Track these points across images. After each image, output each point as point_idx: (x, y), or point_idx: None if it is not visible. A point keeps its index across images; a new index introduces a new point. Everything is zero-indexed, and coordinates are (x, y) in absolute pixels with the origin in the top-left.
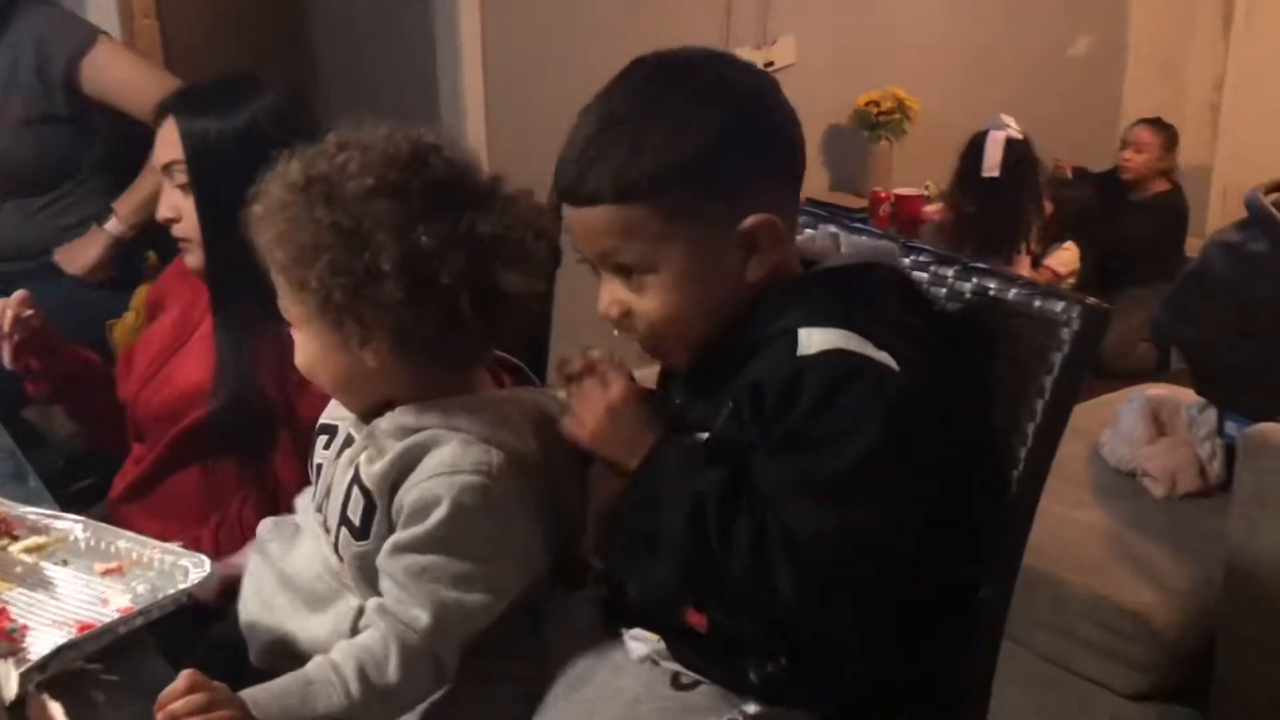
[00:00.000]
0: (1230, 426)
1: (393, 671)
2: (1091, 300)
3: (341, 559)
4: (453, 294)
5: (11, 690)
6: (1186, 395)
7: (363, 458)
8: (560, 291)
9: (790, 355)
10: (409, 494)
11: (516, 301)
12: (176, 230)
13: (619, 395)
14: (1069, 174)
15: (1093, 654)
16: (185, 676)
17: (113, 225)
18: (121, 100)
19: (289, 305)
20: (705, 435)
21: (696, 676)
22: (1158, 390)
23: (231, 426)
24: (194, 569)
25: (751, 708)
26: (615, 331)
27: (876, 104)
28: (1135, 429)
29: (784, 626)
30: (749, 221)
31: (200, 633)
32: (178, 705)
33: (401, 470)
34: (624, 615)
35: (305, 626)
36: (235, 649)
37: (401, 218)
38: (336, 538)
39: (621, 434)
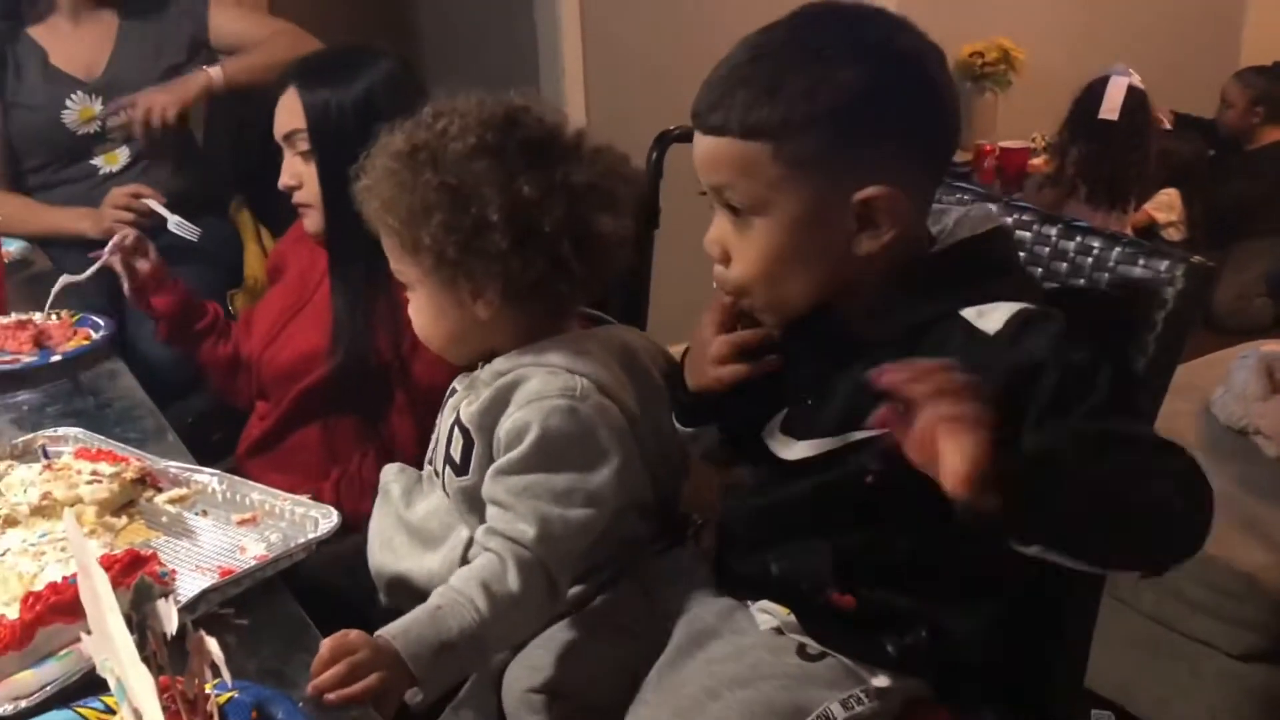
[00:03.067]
0: None
1: (512, 581)
2: (1196, 258)
3: (449, 496)
4: (555, 240)
5: (173, 627)
6: None
7: (463, 403)
8: (659, 251)
9: (972, 340)
10: (503, 426)
11: (611, 244)
12: (298, 196)
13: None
14: (1167, 124)
15: (1201, 614)
16: (328, 645)
17: (216, 72)
18: (247, 51)
19: (404, 269)
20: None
21: (824, 649)
22: (1272, 346)
23: (349, 385)
24: (323, 520)
25: (882, 680)
26: (714, 285)
27: (981, 54)
28: (1248, 385)
29: (939, 598)
30: (868, 191)
31: (327, 576)
32: (325, 679)
33: (495, 407)
34: (748, 585)
35: (422, 564)
36: (361, 582)
37: (502, 173)
38: (443, 478)
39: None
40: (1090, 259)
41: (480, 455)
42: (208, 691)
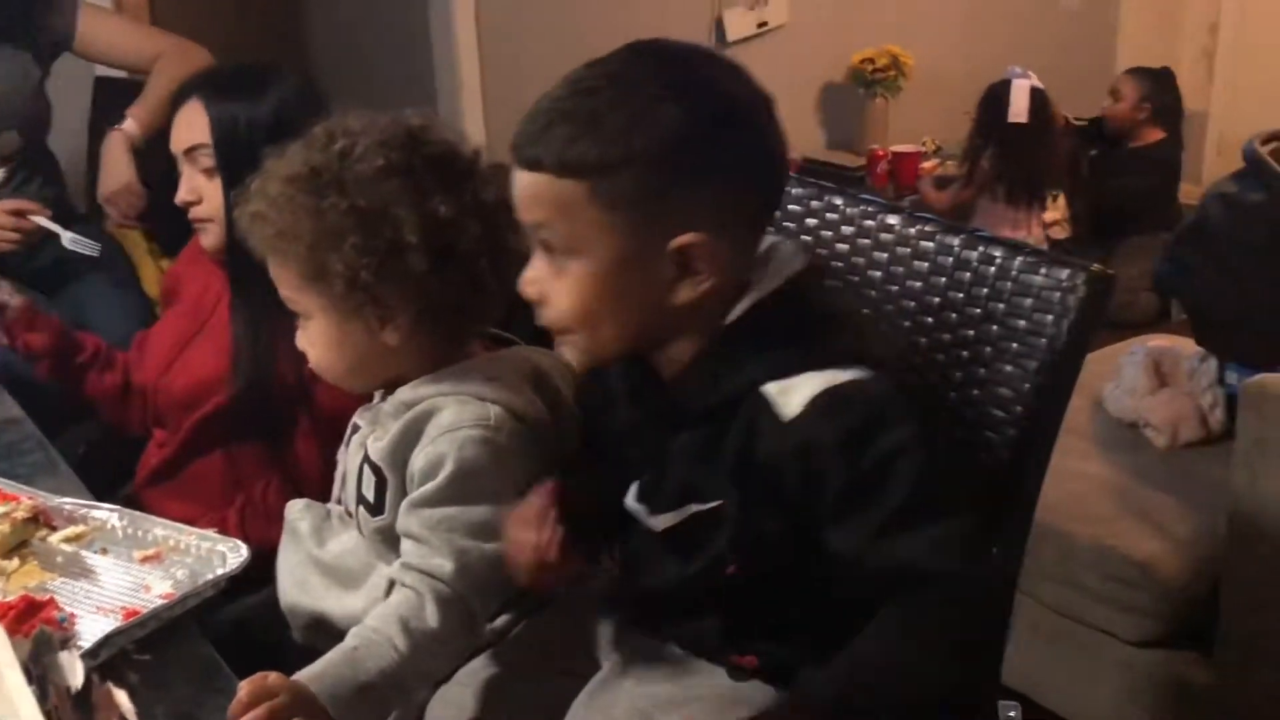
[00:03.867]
0: (1231, 376)
1: (431, 617)
2: (1096, 267)
3: (364, 536)
4: (473, 259)
5: (78, 680)
6: (1188, 346)
7: (370, 439)
8: None
9: (774, 425)
10: (417, 460)
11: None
12: (196, 212)
13: None
14: (1068, 119)
15: (1099, 603)
16: (246, 689)
17: (129, 126)
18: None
19: (300, 298)
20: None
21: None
22: (1159, 341)
23: (251, 412)
24: (231, 554)
25: None
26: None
27: (872, 61)
28: (1137, 380)
29: (840, 643)
30: (686, 237)
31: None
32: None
33: (407, 440)
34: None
35: (341, 604)
36: (272, 619)
37: (414, 192)
38: (357, 518)
39: None
40: (993, 268)
41: (395, 492)
42: None
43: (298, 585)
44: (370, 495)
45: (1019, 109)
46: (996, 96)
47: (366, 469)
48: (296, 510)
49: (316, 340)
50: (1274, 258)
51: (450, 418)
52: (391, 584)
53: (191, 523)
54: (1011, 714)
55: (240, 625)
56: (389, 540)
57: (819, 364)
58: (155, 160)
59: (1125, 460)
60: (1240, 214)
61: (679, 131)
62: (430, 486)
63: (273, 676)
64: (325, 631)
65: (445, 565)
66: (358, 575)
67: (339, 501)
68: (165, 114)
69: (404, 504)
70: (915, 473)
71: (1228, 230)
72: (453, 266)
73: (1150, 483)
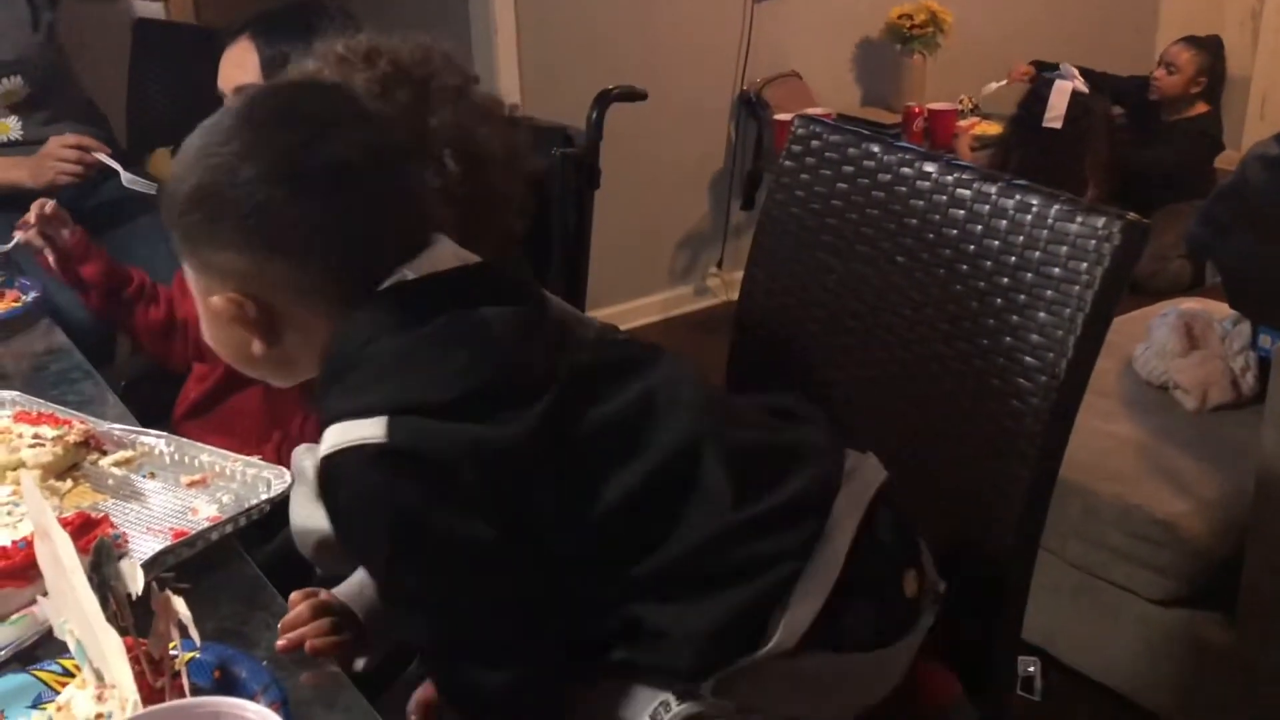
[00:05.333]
0: (1264, 340)
1: None
2: (1132, 215)
3: None
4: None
5: (138, 587)
6: (1220, 309)
7: None
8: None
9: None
10: None
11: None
12: None
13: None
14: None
15: (1122, 561)
16: (307, 604)
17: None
18: None
19: None
20: None
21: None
22: (1191, 304)
23: None
24: (275, 480)
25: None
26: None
27: (910, 17)
28: (1168, 342)
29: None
30: (214, 299)
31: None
32: (307, 629)
33: None
34: None
35: None
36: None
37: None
38: None
39: None
40: (1030, 216)
41: None
42: (171, 652)
43: (308, 517)
44: None
45: (1055, 114)
46: (1038, 96)
47: None
48: (301, 451)
49: None
50: None
51: None
52: None
53: None
54: (1030, 669)
55: (279, 559)
56: None
57: (354, 411)
58: (199, 99)
59: (1153, 421)
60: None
61: (199, 182)
62: None
63: (324, 592)
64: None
65: None
66: None
67: None
68: None
69: None
70: (387, 568)
71: (1267, 191)
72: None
73: (1178, 444)
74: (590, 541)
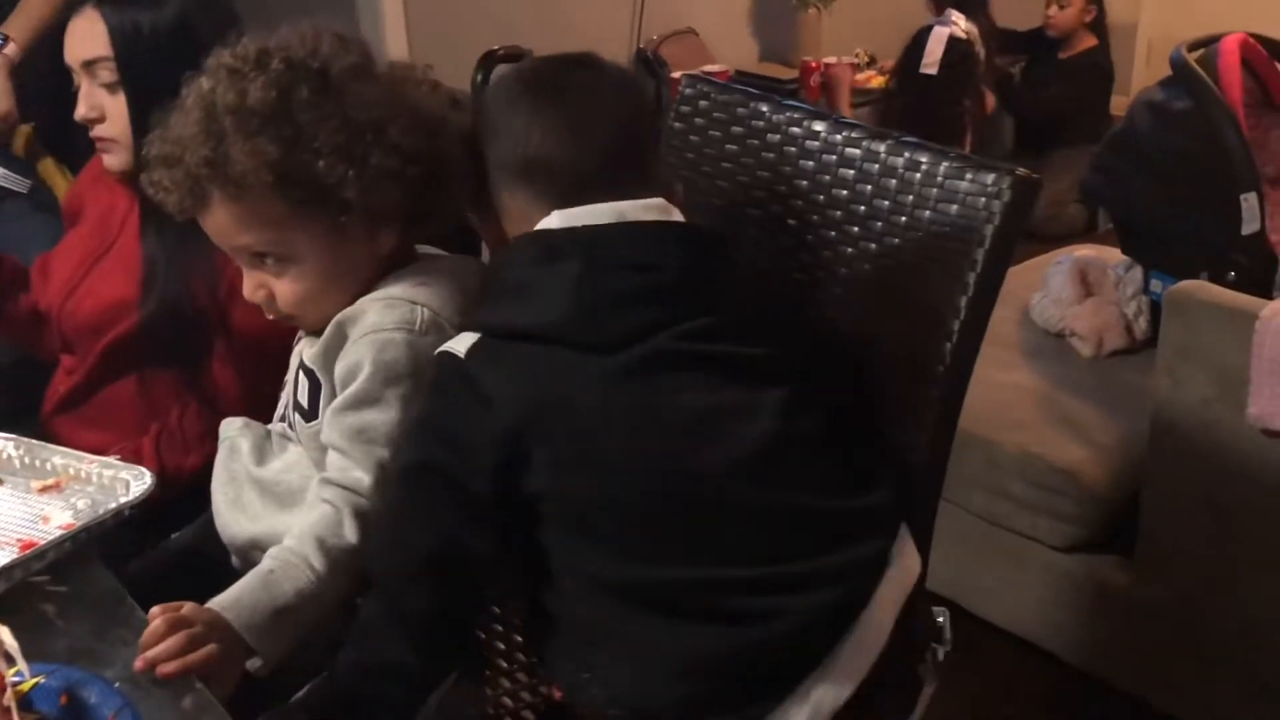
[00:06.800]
0: (1155, 284)
1: (350, 533)
2: (1022, 171)
3: (303, 446)
4: (441, 158)
5: None
6: (1114, 255)
7: (305, 344)
8: None
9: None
10: (340, 364)
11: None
12: (100, 131)
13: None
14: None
15: (1025, 510)
16: (161, 618)
17: (10, 49)
18: None
19: (282, 238)
20: None
21: None
22: (1085, 251)
23: (164, 336)
24: (134, 482)
25: None
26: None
27: None
28: (1064, 290)
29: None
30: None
31: (143, 543)
32: (159, 650)
33: (334, 344)
34: None
35: (283, 522)
36: (201, 556)
37: (386, 93)
38: (295, 427)
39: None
40: (919, 174)
41: (326, 397)
42: (8, 680)
43: (233, 505)
44: (305, 401)
45: (931, 59)
46: (919, 43)
47: (301, 374)
48: (235, 428)
49: (307, 277)
50: (1199, 165)
51: (374, 319)
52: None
53: (103, 451)
54: (940, 619)
55: (183, 556)
56: (325, 451)
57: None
58: (45, 74)
59: (1051, 369)
60: (1166, 121)
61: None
62: (349, 391)
63: (187, 605)
64: (264, 553)
65: (364, 479)
66: (297, 492)
67: (282, 419)
68: (49, 24)
69: (328, 411)
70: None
71: (1154, 138)
72: (425, 165)
73: (1075, 391)
74: (591, 543)
